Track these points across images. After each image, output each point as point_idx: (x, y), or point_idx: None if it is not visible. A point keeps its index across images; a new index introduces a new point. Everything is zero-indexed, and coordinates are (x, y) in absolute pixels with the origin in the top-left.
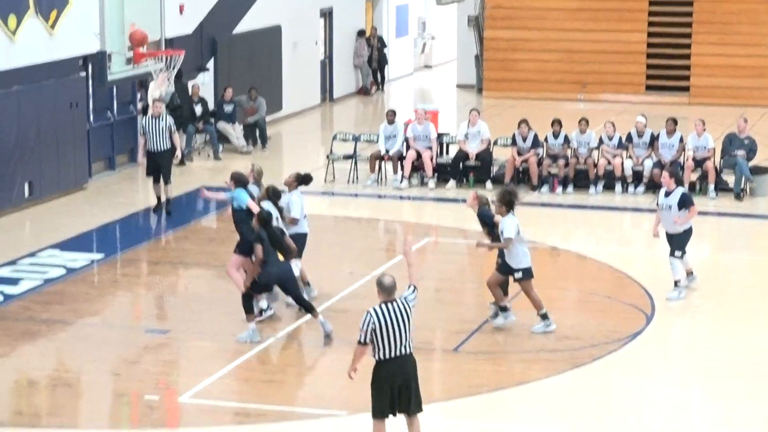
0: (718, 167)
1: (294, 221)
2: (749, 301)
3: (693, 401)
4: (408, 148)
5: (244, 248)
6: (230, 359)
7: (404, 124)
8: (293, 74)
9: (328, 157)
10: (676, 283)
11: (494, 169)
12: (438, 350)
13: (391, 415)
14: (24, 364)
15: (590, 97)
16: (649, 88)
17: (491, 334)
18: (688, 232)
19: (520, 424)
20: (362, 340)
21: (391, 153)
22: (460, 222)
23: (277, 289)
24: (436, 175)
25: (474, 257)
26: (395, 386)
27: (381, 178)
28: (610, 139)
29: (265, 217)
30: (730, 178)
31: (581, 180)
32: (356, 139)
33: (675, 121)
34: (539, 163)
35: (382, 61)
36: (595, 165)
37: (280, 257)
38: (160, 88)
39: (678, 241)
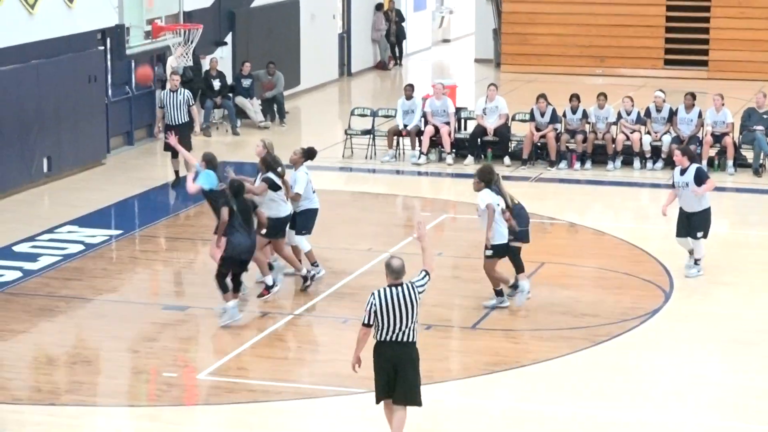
0: (736, 142)
1: (297, 197)
2: None
3: (712, 377)
4: (426, 123)
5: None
6: (248, 337)
7: (422, 99)
8: (311, 48)
9: (345, 132)
10: (696, 261)
11: (512, 145)
12: (456, 327)
13: (391, 395)
14: (43, 341)
15: (609, 72)
16: (667, 62)
17: (509, 312)
18: (707, 212)
19: (538, 401)
20: (365, 321)
21: (409, 128)
22: (477, 197)
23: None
24: (454, 150)
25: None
26: (389, 371)
27: (399, 154)
28: (629, 114)
29: (236, 187)
30: (748, 154)
31: (599, 155)
32: (374, 114)
33: (693, 96)
34: (557, 138)
35: (400, 36)
36: (614, 140)
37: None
38: (177, 61)
39: (699, 221)
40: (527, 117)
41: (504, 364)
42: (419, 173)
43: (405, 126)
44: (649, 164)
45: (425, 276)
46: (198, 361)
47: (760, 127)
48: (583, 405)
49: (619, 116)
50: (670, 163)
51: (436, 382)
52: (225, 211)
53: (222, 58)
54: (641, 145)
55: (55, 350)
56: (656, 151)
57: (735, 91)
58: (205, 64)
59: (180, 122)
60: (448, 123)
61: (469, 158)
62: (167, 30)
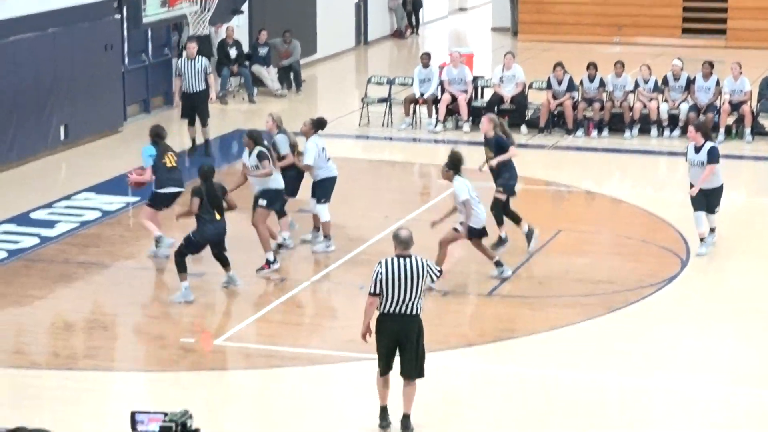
0: (754, 111)
1: (308, 168)
2: None
3: (728, 345)
4: (443, 91)
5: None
6: (264, 303)
7: (439, 67)
8: (328, 17)
9: (362, 100)
10: (702, 239)
11: (529, 113)
12: (472, 294)
13: (390, 370)
14: (60, 307)
15: (626, 40)
16: (685, 31)
17: (525, 279)
18: (721, 189)
19: (554, 368)
20: (372, 290)
21: (425, 96)
22: None
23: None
24: (470, 118)
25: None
26: (394, 344)
27: (415, 122)
28: (646, 82)
29: (205, 171)
30: (766, 122)
31: (616, 123)
32: (391, 82)
33: (711, 65)
34: (574, 106)
35: (417, 4)
36: (631, 108)
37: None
38: (193, 29)
39: (715, 198)
40: (544, 85)
41: (520, 331)
42: (436, 141)
43: (422, 94)
44: (666, 132)
45: (438, 272)
46: (214, 327)
47: None
48: (598, 372)
49: (637, 85)
50: (687, 132)
51: (452, 348)
52: (195, 203)
53: (239, 27)
54: (658, 113)
55: (72, 316)
56: (673, 120)
57: (753, 59)
58: (222, 33)
59: (197, 90)
60: (465, 91)
61: None
62: None
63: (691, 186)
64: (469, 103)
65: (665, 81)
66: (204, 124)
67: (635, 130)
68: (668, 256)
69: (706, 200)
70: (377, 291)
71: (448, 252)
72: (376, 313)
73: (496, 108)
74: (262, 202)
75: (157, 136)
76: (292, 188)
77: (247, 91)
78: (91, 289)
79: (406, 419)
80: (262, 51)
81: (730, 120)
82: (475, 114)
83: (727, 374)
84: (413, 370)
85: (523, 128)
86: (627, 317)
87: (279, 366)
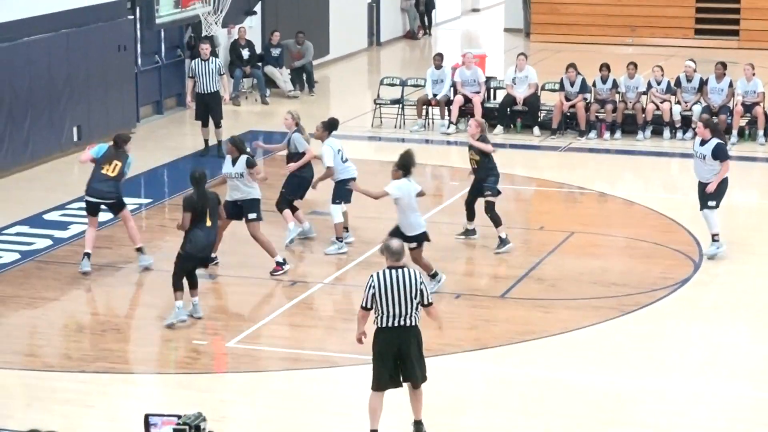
0: (767, 112)
1: (330, 171)
2: None
3: (741, 347)
4: (456, 92)
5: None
6: (278, 304)
7: (451, 68)
8: (340, 18)
9: (375, 101)
10: (713, 237)
11: (542, 114)
12: (484, 297)
13: (392, 387)
14: (73, 309)
15: (639, 41)
16: (698, 31)
17: (538, 281)
18: (723, 183)
19: (567, 370)
20: (363, 304)
21: (438, 97)
22: (507, 167)
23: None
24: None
25: (521, 203)
26: (393, 357)
27: (428, 123)
28: (659, 83)
29: (197, 177)
30: None
31: (629, 125)
32: (403, 83)
33: (724, 66)
34: (587, 108)
35: (430, 5)
36: (644, 110)
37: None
38: (206, 30)
39: (712, 192)
40: (557, 87)
41: (533, 334)
42: (448, 142)
43: (434, 95)
44: (679, 134)
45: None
46: (228, 329)
47: None
48: (611, 374)
49: (649, 86)
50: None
51: (465, 351)
52: (186, 219)
53: (251, 28)
54: (671, 114)
55: (85, 318)
56: (686, 121)
57: (766, 60)
58: (234, 34)
59: (211, 91)
60: (478, 92)
61: (499, 128)
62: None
63: (700, 184)
64: (481, 104)
65: (678, 82)
66: (217, 125)
67: (648, 132)
68: (681, 258)
69: (702, 193)
70: (369, 305)
71: (425, 262)
72: (374, 327)
73: (508, 109)
74: (252, 215)
75: (118, 139)
76: (304, 187)
77: (260, 92)
78: (103, 291)
79: (419, 425)
80: (275, 52)
81: (743, 121)
82: (488, 115)
83: (741, 376)
84: (417, 376)
85: (536, 130)
86: (640, 319)
87: (292, 368)
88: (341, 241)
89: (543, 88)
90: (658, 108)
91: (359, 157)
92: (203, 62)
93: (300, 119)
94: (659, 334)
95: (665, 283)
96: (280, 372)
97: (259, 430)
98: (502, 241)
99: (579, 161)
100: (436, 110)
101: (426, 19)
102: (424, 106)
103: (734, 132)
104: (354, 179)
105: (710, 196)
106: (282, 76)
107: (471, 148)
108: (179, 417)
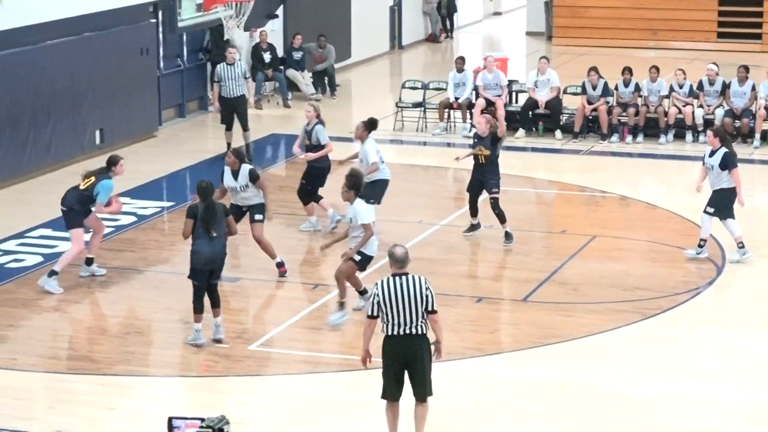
0: None
1: (374, 166)
2: None
3: (763, 351)
4: (477, 95)
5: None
6: (299, 308)
7: (473, 71)
8: (362, 21)
9: (396, 104)
10: (700, 242)
11: (564, 118)
12: (506, 300)
13: (399, 395)
14: (95, 312)
15: (661, 45)
16: (720, 35)
17: (560, 284)
18: (725, 192)
19: (589, 374)
20: (369, 312)
21: (460, 101)
22: (528, 170)
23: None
24: (505, 123)
25: (543, 206)
26: (400, 365)
27: (450, 126)
28: (681, 87)
29: (203, 188)
30: None
31: (651, 128)
32: (425, 86)
33: (747, 69)
34: (609, 111)
35: (452, 8)
36: (666, 113)
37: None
38: (228, 33)
39: (713, 198)
40: (579, 90)
41: (555, 337)
42: (470, 146)
43: (456, 99)
44: (702, 137)
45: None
46: (249, 332)
47: None
48: (634, 378)
49: (672, 89)
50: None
51: (487, 355)
52: (188, 225)
53: (273, 31)
54: (693, 118)
55: (107, 321)
56: (709, 125)
57: None
58: (255, 37)
59: (237, 95)
60: (500, 96)
61: (521, 131)
62: (219, 2)
63: (713, 191)
64: (504, 107)
65: (700, 86)
66: (245, 128)
67: (670, 135)
68: (703, 262)
69: (709, 199)
70: (375, 313)
71: (355, 281)
72: (381, 336)
73: (530, 113)
74: (259, 216)
75: (108, 161)
76: (322, 176)
77: (282, 96)
78: (126, 294)
79: None
80: (297, 55)
81: (766, 125)
82: (510, 119)
83: (764, 380)
84: (423, 390)
85: (558, 133)
86: (662, 323)
87: (314, 371)
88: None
89: (565, 92)
90: (680, 111)
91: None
92: (229, 66)
93: (321, 111)
94: (681, 338)
95: (687, 287)
96: (301, 375)
97: None
98: (509, 236)
99: (601, 165)
100: (458, 113)
101: (448, 22)
102: (446, 110)
103: (757, 135)
104: (387, 181)
105: (709, 202)
106: (304, 79)
107: (480, 141)
108: (202, 420)
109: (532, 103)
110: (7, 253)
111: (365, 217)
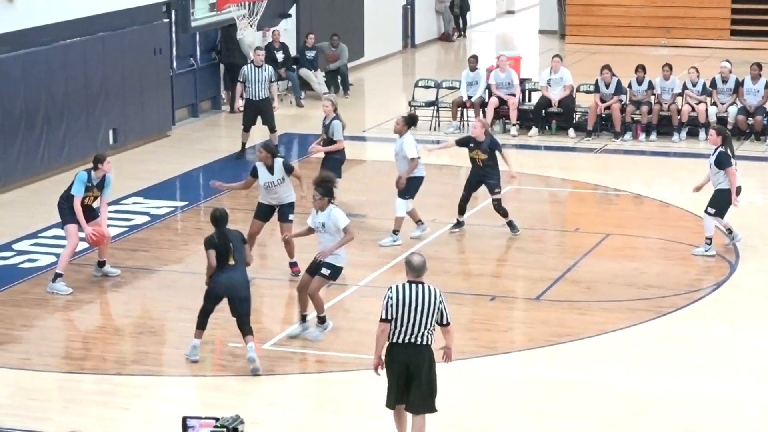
0: None
1: (415, 162)
2: None
3: None
4: (490, 94)
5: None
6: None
7: (486, 70)
8: (375, 20)
9: (409, 103)
10: (706, 241)
11: (577, 116)
12: (520, 298)
13: (401, 405)
14: (108, 311)
15: (674, 43)
16: (733, 32)
17: (574, 283)
18: (723, 193)
19: (603, 373)
20: (383, 316)
21: (473, 99)
22: (542, 169)
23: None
24: (518, 122)
25: (556, 204)
26: (403, 374)
27: (463, 125)
28: (694, 85)
29: (217, 216)
30: None
31: (665, 127)
32: (438, 85)
33: (760, 66)
34: (622, 109)
35: (464, 7)
36: (679, 111)
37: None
38: (240, 33)
39: (713, 198)
40: (592, 88)
41: (568, 336)
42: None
43: (469, 97)
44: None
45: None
46: (262, 332)
47: None
48: (648, 376)
49: (685, 87)
50: (736, 134)
51: (500, 354)
52: (211, 256)
53: (286, 30)
54: (707, 116)
55: (120, 320)
56: (722, 123)
57: None
58: (268, 36)
59: (262, 97)
60: (513, 95)
61: (534, 130)
62: (232, 2)
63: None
64: (517, 106)
65: (713, 83)
66: (272, 130)
67: (683, 133)
68: (717, 260)
69: (711, 198)
70: (389, 317)
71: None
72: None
73: (543, 111)
74: (291, 217)
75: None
76: (339, 166)
77: (295, 95)
78: (139, 294)
79: None
80: (310, 54)
81: None
82: (523, 117)
83: None
84: (424, 404)
85: (571, 131)
86: (676, 322)
87: (327, 371)
88: (397, 234)
89: (578, 90)
90: (693, 109)
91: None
92: (257, 68)
93: (338, 106)
94: (695, 336)
95: (701, 285)
96: (315, 375)
97: None
98: (513, 226)
99: (614, 163)
100: (471, 112)
101: (461, 21)
102: (459, 108)
103: None
104: (423, 178)
105: (710, 202)
106: (317, 78)
107: (476, 146)
108: (217, 419)
109: (545, 102)
110: (20, 253)
111: (345, 221)
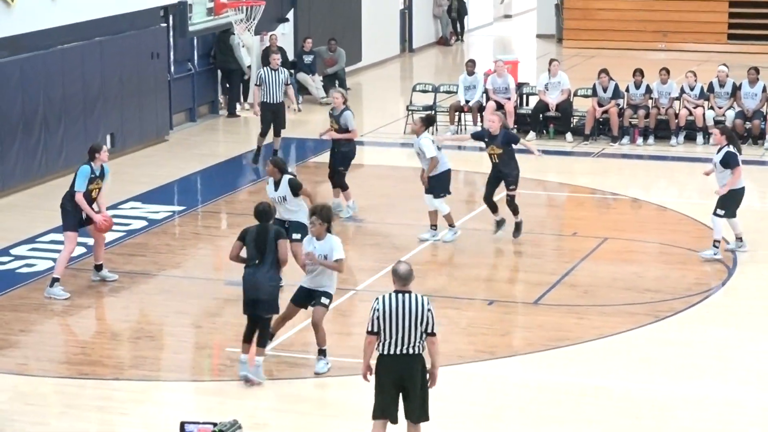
0: None
1: (435, 161)
2: None
3: None
4: (488, 98)
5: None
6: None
7: (484, 74)
8: (373, 24)
9: (407, 108)
10: (714, 243)
11: (574, 120)
12: (518, 303)
13: (390, 420)
14: (107, 316)
15: (672, 47)
16: (731, 36)
17: (571, 287)
18: (734, 193)
19: (601, 377)
20: (369, 328)
21: (470, 104)
22: (539, 173)
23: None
24: (516, 126)
25: (554, 209)
26: (394, 386)
27: (460, 129)
28: (692, 89)
29: (258, 210)
30: None
31: (662, 130)
32: (436, 89)
33: (757, 70)
34: (620, 113)
35: (462, 11)
36: (677, 115)
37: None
38: (238, 38)
39: (722, 199)
40: (589, 92)
41: (567, 340)
42: (481, 149)
43: (467, 102)
44: (712, 139)
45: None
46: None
47: None
48: (646, 381)
49: (682, 91)
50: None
51: (498, 358)
52: (235, 247)
53: (284, 35)
54: (704, 120)
55: (119, 325)
56: None
57: None
58: (265, 41)
59: (278, 101)
60: (509, 99)
61: (531, 134)
62: (230, 6)
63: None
64: (514, 110)
65: (711, 87)
66: (278, 134)
67: (681, 137)
68: (714, 264)
69: (718, 200)
70: (375, 329)
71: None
72: (376, 354)
73: (541, 115)
74: (297, 236)
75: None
76: (350, 158)
77: None
78: (137, 299)
79: None
80: (308, 59)
81: None
82: (521, 121)
83: None
84: (418, 413)
85: (569, 136)
86: (674, 326)
87: (326, 375)
88: (454, 227)
89: (576, 94)
90: (691, 113)
91: (392, 164)
92: (273, 72)
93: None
94: (694, 340)
95: (700, 289)
96: (313, 379)
97: None
98: (518, 227)
99: (612, 167)
100: (469, 116)
101: (458, 25)
102: (457, 113)
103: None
104: (450, 171)
105: (719, 203)
106: (314, 83)
107: (491, 140)
108: (215, 424)
109: (542, 106)
110: (18, 258)
111: (341, 255)
